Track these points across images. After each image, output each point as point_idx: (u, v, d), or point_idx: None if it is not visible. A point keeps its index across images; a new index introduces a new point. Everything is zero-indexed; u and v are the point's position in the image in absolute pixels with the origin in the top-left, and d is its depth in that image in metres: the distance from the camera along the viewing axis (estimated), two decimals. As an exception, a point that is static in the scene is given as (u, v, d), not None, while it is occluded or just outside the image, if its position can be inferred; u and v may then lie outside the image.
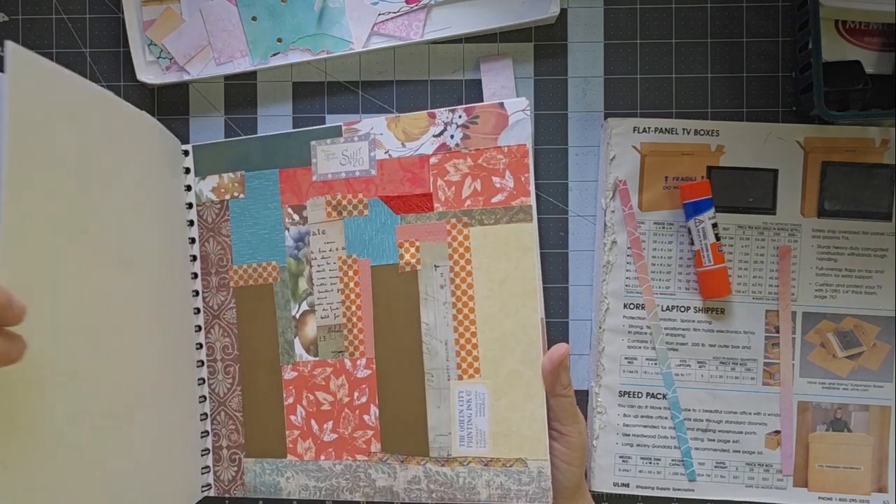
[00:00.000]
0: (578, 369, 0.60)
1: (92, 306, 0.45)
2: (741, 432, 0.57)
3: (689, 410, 0.58)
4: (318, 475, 0.58)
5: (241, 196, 0.59)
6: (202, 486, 0.58)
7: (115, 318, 0.48)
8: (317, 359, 0.58)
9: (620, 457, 0.58)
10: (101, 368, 0.46)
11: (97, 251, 0.46)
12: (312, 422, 0.58)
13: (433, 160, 0.57)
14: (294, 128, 0.61)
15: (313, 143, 0.58)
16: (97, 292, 0.46)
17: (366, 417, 0.57)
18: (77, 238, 0.44)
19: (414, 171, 0.57)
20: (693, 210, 0.56)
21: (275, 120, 0.61)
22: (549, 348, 0.58)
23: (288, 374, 0.58)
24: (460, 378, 0.56)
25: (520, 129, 0.55)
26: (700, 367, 0.58)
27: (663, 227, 0.58)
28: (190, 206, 0.59)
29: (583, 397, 0.59)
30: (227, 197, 0.59)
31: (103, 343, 0.47)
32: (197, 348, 0.58)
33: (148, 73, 0.60)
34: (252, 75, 0.61)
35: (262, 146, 0.59)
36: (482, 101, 0.59)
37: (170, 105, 0.61)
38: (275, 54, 0.59)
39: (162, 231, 0.55)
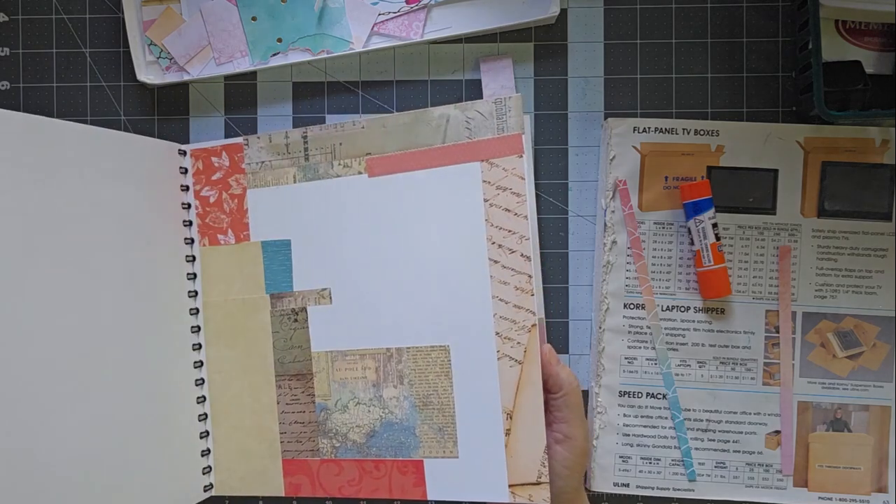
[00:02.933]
0: (578, 369, 0.60)
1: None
2: (741, 432, 0.57)
3: (689, 410, 0.58)
4: None
5: None
6: (204, 486, 0.58)
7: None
8: None
9: (620, 457, 0.58)
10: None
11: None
12: None
13: None
14: (294, 128, 0.60)
15: None
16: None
17: None
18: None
19: None
20: (693, 210, 0.56)
21: (275, 120, 0.61)
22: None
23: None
24: None
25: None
26: (700, 367, 0.58)
27: (663, 227, 0.58)
28: (188, 206, 0.59)
29: (583, 397, 0.59)
30: None
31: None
32: (194, 349, 0.58)
33: (148, 73, 0.60)
34: (252, 75, 0.61)
35: None
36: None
37: (170, 105, 0.61)
38: (275, 54, 0.59)
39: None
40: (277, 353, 0.58)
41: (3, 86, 0.61)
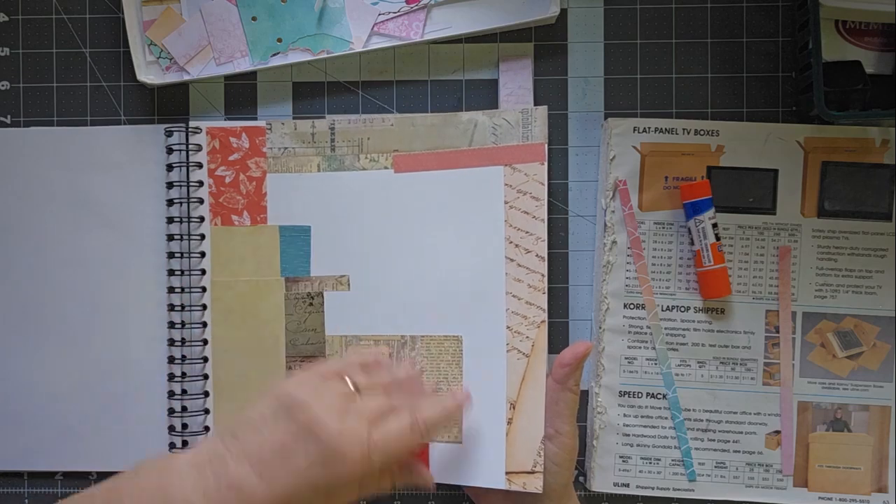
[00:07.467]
0: (578, 369, 0.60)
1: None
2: (741, 432, 0.57)
3: (689, 410, 0.58)
4: None
5: None
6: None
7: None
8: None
9: (620, 457, 0.58)
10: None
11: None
12: None
13: None
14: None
15: None
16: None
17: None
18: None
19: None
20: (693, 210, 0.56)
21: (275, 120, 0.61)
22: (549, 351, 0.58)
23: None
24: None
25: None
26: (700, 367, 0.58)
27: (663, 227, 0.58)
28: (170, 185, 0.59)
29: (583, 397, 0.59)
30: None
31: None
32: (196, 326, 0.59)
33: (148, 73, 0.60)
34: (252, 75, 0.61)
35: None
36: (497, 99, 0.59)
37: (170, 105, 0.61)
38: (275, 54, 0.59)
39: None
40: (290, 334, 0.59)
41: (3, 86, 0.61)
